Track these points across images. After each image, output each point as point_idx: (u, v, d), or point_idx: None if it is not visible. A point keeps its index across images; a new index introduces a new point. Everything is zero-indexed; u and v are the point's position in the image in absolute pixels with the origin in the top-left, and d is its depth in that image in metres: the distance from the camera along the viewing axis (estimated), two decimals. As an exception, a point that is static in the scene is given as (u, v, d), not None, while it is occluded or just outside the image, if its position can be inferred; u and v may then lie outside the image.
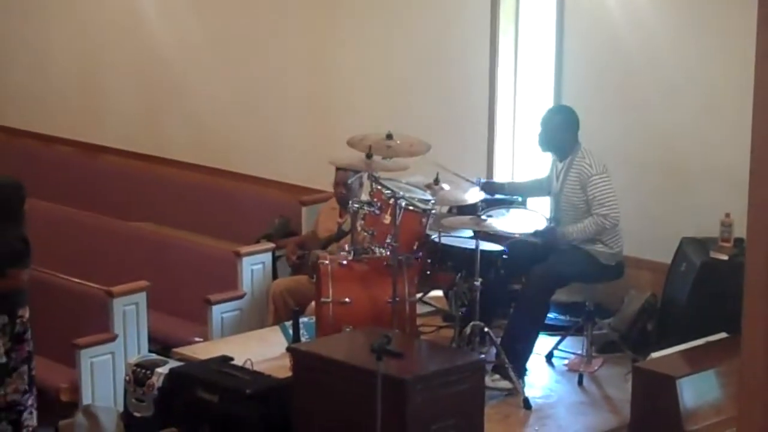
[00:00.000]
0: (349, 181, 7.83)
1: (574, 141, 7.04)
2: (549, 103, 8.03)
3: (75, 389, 7.37)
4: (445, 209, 7.54)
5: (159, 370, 6.70)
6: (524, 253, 7.07)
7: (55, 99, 11.61)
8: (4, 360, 6.76)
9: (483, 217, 6.69)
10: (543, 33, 8.28)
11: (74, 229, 9.43)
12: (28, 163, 10.79)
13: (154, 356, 7.08)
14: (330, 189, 8.29)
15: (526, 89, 8.44)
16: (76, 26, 11.38)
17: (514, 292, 7.16)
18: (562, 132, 7.04)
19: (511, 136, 8.49)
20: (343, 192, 7.99)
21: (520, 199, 7.60)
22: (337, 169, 7.98)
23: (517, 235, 7.08)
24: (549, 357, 7.25)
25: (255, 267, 8.35)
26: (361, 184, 7.88)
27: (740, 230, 6.72)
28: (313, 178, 9.10)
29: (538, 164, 8.19)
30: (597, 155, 6.97)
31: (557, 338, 7.32)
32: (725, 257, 6.92)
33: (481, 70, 8.43)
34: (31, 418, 6.88)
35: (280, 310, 7.84)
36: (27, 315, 6.83)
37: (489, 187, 7.46)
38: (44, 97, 11.71)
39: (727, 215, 7.00)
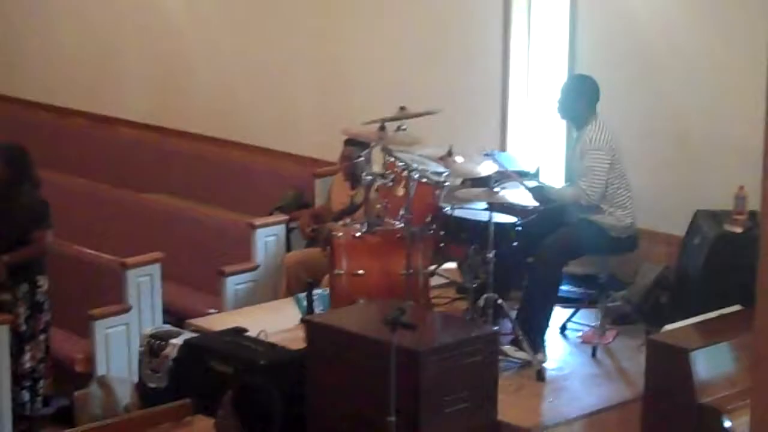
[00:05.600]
0: (359, 158, 7.82)
1: (590, 112, 6.98)
2: (563, 73, 8.00)
3: (90, 360, 7.39)
4: (458, 181, 7.54)
5: (173, 341, 6.71)
6: (538, 224, 7.06)
7: (70, 71, 11.61)
8: (24, 328, 6.82)
9: (496, 189, 6.68)
10: (557, 2, 8.24)
11: (89, 201, 9.45)
12: (43, 136, 10.80)
13: (168, 327, 7.09)
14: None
15: (539, 60, 8.41)
16: (90, -2, 11.39)
17: (528, 264, 7.15)
18: (576, 100, 7.00)
19: (525, 107, 8.46)
20: (349, 166, 7.98)
21: (533, 171, 7.58)
22: (345, 143, 7.97)
23: (530, 208, 7.07)
24: (563, 329, 7.25)
25: (269, 239, 8.36)
26: (368, 160, 7.86)
27: (754, 203, 6.70)
28: (327, 150, 9.08)
29: (552, 136, 8.19)
30: (609, 133, 6.89)
31: (571, 310, 7.32)
32: (739, 230, 6.90)
33: (495, 39, 8.40)
34: (45, 387, 6.94)
35: (293, 283, 7.83)
36: (46, 286, 6.87)
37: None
38: (59, 69, 11.71)
39: (741, 188, 6.97)
